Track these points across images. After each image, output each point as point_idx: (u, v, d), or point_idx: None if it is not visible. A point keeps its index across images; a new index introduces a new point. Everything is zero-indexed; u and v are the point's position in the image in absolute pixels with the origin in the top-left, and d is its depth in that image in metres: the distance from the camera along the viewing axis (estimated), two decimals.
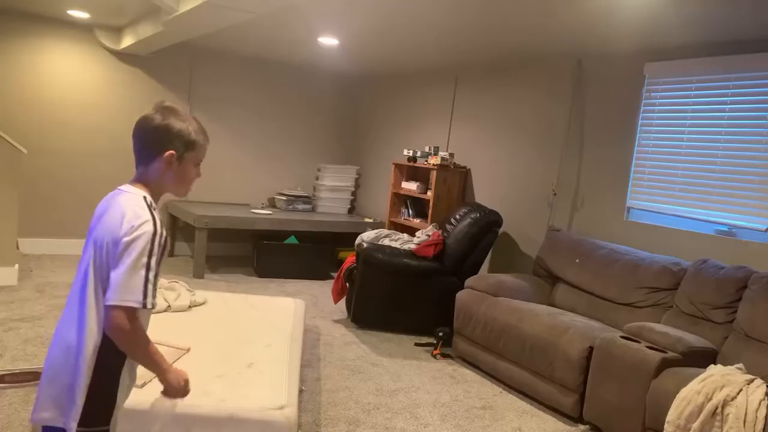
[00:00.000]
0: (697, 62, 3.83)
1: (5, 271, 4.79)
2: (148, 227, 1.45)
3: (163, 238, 1.48)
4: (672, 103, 4.01)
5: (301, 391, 3.31)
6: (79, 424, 1.45)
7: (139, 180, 1.58)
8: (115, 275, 1.41)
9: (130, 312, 1.41)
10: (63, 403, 1.45)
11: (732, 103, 3.67)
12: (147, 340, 1.49)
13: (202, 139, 1.61)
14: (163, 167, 1.56)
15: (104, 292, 1.44)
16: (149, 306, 1.43)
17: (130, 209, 1.47)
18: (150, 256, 1.44)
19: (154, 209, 1.52)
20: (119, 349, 1.47)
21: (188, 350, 2.85)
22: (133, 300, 1.41)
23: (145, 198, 1.52)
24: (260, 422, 2.28)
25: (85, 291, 1.48)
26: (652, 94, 4.12)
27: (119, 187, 1.57)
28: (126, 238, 1.43)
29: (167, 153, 1.55)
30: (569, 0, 3.23)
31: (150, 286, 1.44)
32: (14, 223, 4.80)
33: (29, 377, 3.11)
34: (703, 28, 3.47)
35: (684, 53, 3.93)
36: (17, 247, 5.23)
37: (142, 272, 1.42)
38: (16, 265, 4.90)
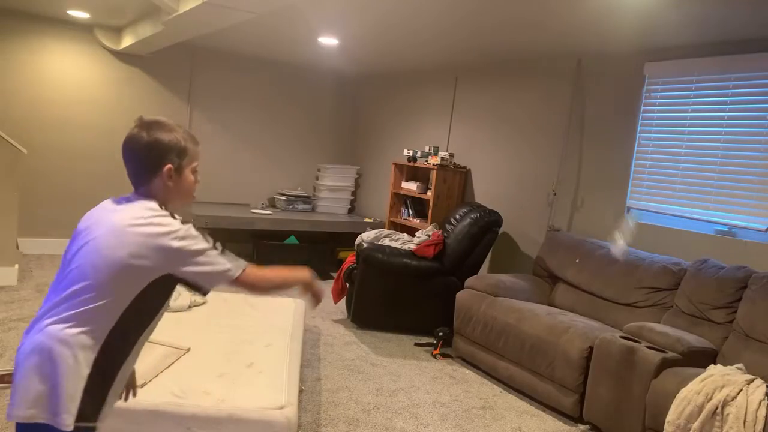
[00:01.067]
0: (697, 62, 3.83)
1: (5, 271, 4.78)
2: (176, 225, 1.50)
3: (190, 226, 1.53)
4: (672, 103, 4.01)
5: (301, 391, 3.31)
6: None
7: (144, 197, 1.56)
8: (199, 269, 1.51)
9: (241, 277, 1.56)
10: (48, 401, 1.43)
11: (732, 102, 3.67)
12: (270, 278, 1.63)
13: (191, 144, 1.60)
14: (164, 183, 1.56)
15: (106, 295, 1.45)
16: (243, 265, 1.58)
17: (150, 218, 1.49)
18: (201, 240, 1.52)
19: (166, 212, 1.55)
20: (117, 352, 1.50)
21: (188, 350, 2.86)
22: (225, 273, 1.54)
23: (159, 205, 1.55)
24: (260, 422, 2.28)
25: (82, 293, 1.46)
26: (652, 93, 4.12)
27: (125, 201, 1.55)
28: (174, 244, 1.47)
29: (165, 168, 1.55)
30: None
31: (223, 256, 1.56)
32: (14, 223, 4.80)
33: None
34: (703, 27, 3.47)
35: (684, 53, 3.93)
36: (17, 247, 5.23)
37: (212, 253, 1.53)
38: (16, 265, 4.90)
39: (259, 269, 1.62)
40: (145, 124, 1.55)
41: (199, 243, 1.51)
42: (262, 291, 1.64)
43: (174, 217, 1.52)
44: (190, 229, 1.51)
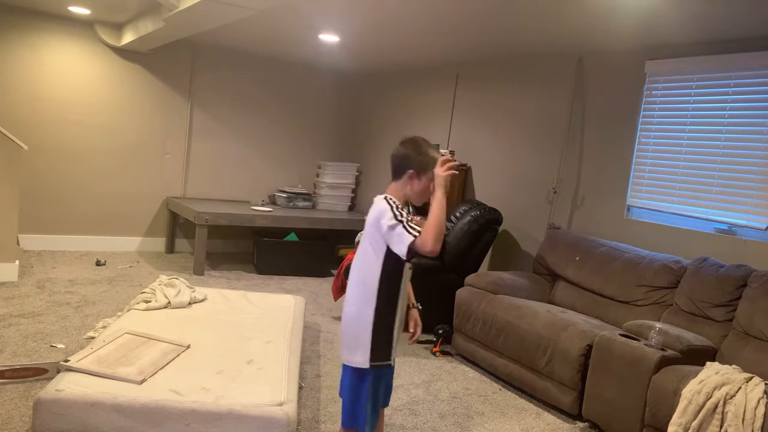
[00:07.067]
0: (698, 60, 3.83)
1: (6, 267, 4.79)
2: (383, 205, 2.15)
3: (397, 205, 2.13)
4: (673, 101, 4.01)
5: (300, 388, 3.31)
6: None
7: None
8: (388, 236, 2.11)
9: (416, 243, 2.02)
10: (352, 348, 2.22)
11: (733, 101, 3.67)
12: (434, 231, 2.00)
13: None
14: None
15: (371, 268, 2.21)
16: (415, 233, 2.03)
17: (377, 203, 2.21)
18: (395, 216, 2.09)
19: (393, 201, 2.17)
20: (388, 306, 2.29)
21: (188, 347, 2.86)
22: (406, 242, 2.05)
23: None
24: (260, 418, 2.28)
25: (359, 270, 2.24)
26: (653, 92, 4.12)
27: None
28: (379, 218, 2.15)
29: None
30: None
31: (408, 227, 2.06)
32: (15, 219, 4.80)
33: (29, 373, 3.11)
34: (705, 25, 3.46)
35: (685, 51, 3.93)
36: (18, 243, 5.24)
37: (400, 226, 2.07)
38: (17, 261, 4.91)
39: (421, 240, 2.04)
40: None
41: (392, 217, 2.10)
42: (435, 246, 2.03)
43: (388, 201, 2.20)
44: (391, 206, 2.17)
